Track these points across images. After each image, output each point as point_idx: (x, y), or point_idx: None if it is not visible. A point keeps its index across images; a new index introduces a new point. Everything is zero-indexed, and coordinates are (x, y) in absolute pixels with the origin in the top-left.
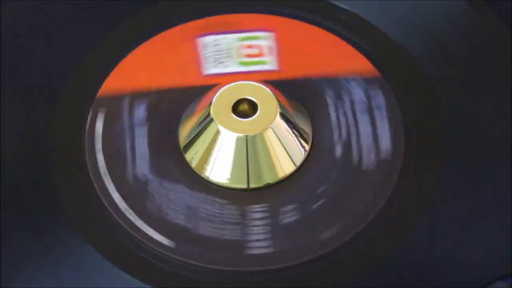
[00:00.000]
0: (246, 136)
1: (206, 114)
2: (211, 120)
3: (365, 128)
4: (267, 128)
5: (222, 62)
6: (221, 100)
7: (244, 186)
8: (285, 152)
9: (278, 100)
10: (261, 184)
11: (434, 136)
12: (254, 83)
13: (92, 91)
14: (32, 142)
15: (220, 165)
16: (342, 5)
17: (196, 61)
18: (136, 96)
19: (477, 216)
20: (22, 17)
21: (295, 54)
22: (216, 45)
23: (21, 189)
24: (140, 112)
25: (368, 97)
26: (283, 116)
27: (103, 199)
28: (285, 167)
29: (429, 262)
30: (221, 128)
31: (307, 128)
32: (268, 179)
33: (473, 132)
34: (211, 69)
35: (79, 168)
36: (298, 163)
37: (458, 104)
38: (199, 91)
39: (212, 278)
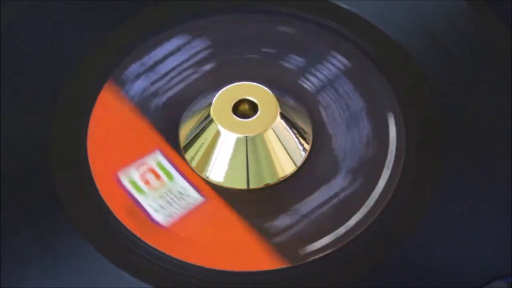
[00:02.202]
0: (246, 136)
1: (206, 114)
2: (211, 120)
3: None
4: (267, 129)
5: (171, 205)
6: (221, 101)
7: (244, 186)
8: (285, 152)
9: (278, 100)
10: (261, 185)
11: (434, 136)
12: (254, 83)
13: (92, 91)
14: (32, 142)
15: (220, 165)
16: (342, 5)
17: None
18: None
19: (477, 216)
20: (22, 17)
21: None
22: (163, 208)
23: (21, 189)
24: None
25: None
26: (283, 117)
27: (103, 199)
28: (285, 167)
29: (428, 262)
30: (221, 128)
31: (307, 128)
32: (268, 179)
33: (473, 132)
34: (188, 199)
35: (79, 168)
36: (298, 163)
37: (458, 104)
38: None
39: (212, 278)
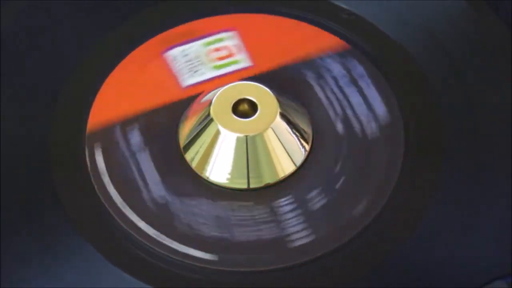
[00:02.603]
0: (246, 136)
1: (206, 114)
2: (211, 120)
3: (356, 98)
4: (267, 128)
5: (197, 71)
6: (221, 100)
7: (244, 186)
8: (285, 152)
9: (278, 100)
10: (261, 184)
11: (434, 136)
12: (254, 83)
13: (92, 91)
14: (32, 142)
15: (220, 165)
16: (342, 5)
17: (171, 76)
18: (126, 123)
19: (477, 216)
20: (22, 17)
21: (263, 46)
22: (185, 55)
23: (21, 189)
24: (135, 138)
25: (348, 69)
26: (283, 116)
27: (102, 199)
28: (285, 167)
29: (428, 262)
30: (221, 128)
31: (307, 128)
32: (268, 179)
33: (473, 132)
34: (188, 80)
35: (79, 168)
36: (298, 163)
37: (458, 104)
38: (185, 104)
39: (212, 278)
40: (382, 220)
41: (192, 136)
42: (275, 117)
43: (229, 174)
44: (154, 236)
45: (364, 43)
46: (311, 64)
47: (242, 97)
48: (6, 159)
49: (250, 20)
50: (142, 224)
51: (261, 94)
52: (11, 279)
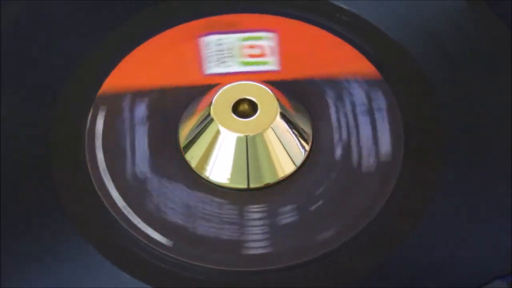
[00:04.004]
0: (246, 136)
1: (206, 114)
2: (211, 120)
3: (365, 129)
4: (267, 128)
5: (224, 61)
6: (221, 100)
7: (244, 186)
8: (285, 152)
9: (278, 100)
10: (261, 184)
11: (434, 136)
12: (255, 83)
13: (92, 91)
14: (32, 142)
15: (220, 165)
16: (342, 5)
17: (198, 61)
18: (138, 94)
19: (477, 216)
20: (22, 17)
21: (297, 55)
22: (219, 44)
23: (21, 189)
24: (141, 110)
25: (369, 99)
26: (283, 116)
27: (102, 199)
28: (285, 167)
29: (428, 262)
30: (221, 128)
31: (307, 128)
32: (268, 179)
33: (473, 132)
34: (213, 68)
35: (79, 168)
36: (298, 163)
37: (458, 104)
38: (201, 91)
39: (212, 278)
40: (382, 220)
41: (192, 136)
42: (275, 117)
43: (229, 174)
44: (122, 208)
45: (364, 43)
46: (336, 83)
47: (242, 97)
48: (6, 159)
49: (292, 26)
50: (115, 194)
51: (261, 94)
52: (11, 279)
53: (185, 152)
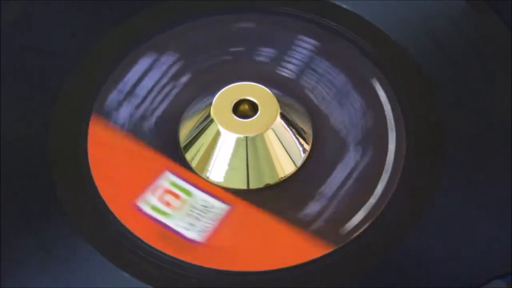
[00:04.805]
0: (246, 137)
1: (206, 114)
2: (211, 120)
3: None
4: (267, 129)
5: (200, 220)
6: (221, 101)
7: (244, 186)
8: (285, 152)
9: (278, 100)
10: (261, 185)
11: (434, 136)
12: (255, 83)
13: (92, 91)
14: (32, 142)
15: (220, 165)
16: (342, 5)
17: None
18: None
19: (477, 216)
20: (22, 17)
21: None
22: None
23: (21, 189)
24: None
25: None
26: (284, 117)
27: (103, 199)
28: (285, 167)
29: (428, 261)
30: (221, 128)
31: (307, 128)
32: (268, 179)
33: (473, 132)
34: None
35: (79, 168)
36: (298, 163)
37: (458, 104)
38: None
39: (212, 278)
40: (382, 220)
41: (192, 136)
42: (275, 117)
43: (229, 174)
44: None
45: (364, 43)
46: None
47: (242, 97)
48: (6, 159)
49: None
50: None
51: (262, 95)
52: (11, 279)
53: (185, 152)
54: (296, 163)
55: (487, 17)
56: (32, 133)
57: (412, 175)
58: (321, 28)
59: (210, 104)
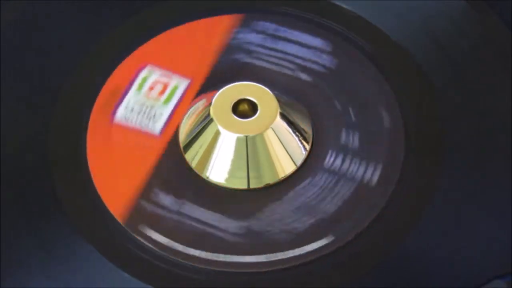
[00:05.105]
0: (246, 136)
1: (206, 114)
2: (211, 120)
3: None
4: (267, 129)
5: (154, 115)
6: (221, 100)
7: (244, 186)
8: (285, 152)
9: (278, 100)
10: (261, 185)
11: (434, 136)
12: (255, 83)
13: (92, 91)
14: (32, 142)
15: (220, 165)
16: (342, 5)
17: (139, 134)
18: None
19: (477, 216)
20: (22, 17)
21: (183, 59)
22: (131, 109)
23: (21, 189)
24: None
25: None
26: (283, 116)
27: (103, 199)
28: (285, 167)
29: (428, 262)
30: (221, 128)
31: (307, 128)
32: (268, 179)
33: (473, 132)
34: (155, 126)
35: (79, 168)
36: (299, 163)
37: (458, 104)
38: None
39: (212, 278)
40: (382, 220)
41: (192, 136)
42: (275, 117)
43: (229, 174)
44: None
45: (364, 43)
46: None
47: (242, 97)
48: (6, 159)
49: (151, 47)
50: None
51: (261, 94)
52: (11, 279)
53: (185, 152)
54: (296, 163)
55: (487, 17)
56: (32, 133)
57: (412, 175)
58: (321, 28)
59: (210, 104)
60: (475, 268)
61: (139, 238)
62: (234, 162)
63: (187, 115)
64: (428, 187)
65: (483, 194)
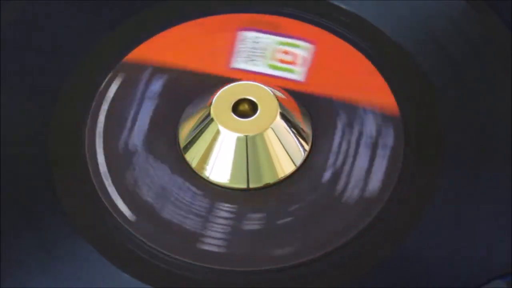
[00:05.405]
0: (246, 136)
1: (206, 114)
2: (211, 120)
3: (361, 162)
4: (267, 128)
5: (253, 60)
6: (221, 100)
7: (244, 186)
8: (285, 152)
9: (278, 100)
10: (261, 184)
11: (434, 137)
12: (255, 83)
13: (92, 91)
14: (32, 142)
15: (220, 165)
16: (342, 5)
17: (229, 53)
18: (158, 70)
19: (477, 216)
20: (22, 17)
21: (326, 71)
22: (255, 42)
23: (21, 189)
24: (156, 86)
25: (379, 134)
26: (283, 116)
27: (103, 199)
28: (285, 167)
29: (428, 261)
30: (221, 128)
31: (307, 128)
32: (268, 179)
33: (473, 132)
34: (240, 64)
35: (79, 168)
36: (298, 163)
37: (458, 104)
38: (219, 82)
39: (211, 278)
40: (382, 220)
41: (192, 136)
42: (275, 117)
43: (229, 174)
44: (102, 174)
45: (364, 43)
46: (352, 109)
47: (242, 97)
48: (6, 159)
49: (331, 41)
50: (100, 159)
51: (261, 94)
52: (11, 279)
53: (185, 152)
54: (296, 163)
55: (487, 17)
56: (32, 133)
57: (412, 175)
58: (321, 28)
59: (210, 103)
60: (475, 268)
61: (139, 238)
62: (234, 162)
63: (186, 115)
64: (428, 187)
65: (483, 194)
